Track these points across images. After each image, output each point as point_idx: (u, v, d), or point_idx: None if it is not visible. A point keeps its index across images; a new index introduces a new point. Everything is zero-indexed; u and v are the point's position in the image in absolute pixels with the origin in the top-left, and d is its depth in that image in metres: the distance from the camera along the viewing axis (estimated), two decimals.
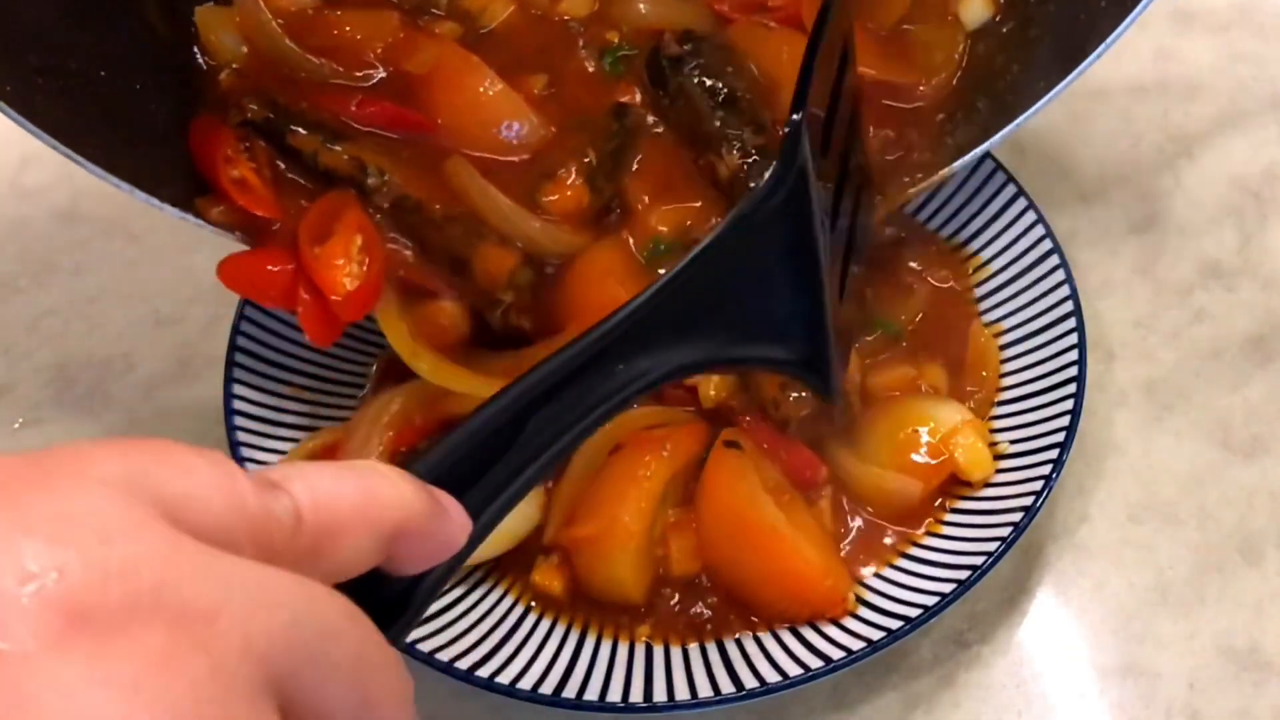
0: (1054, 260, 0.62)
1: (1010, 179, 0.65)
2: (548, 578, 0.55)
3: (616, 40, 0.62)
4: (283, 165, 0.56)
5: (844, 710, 0.54)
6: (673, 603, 0.55)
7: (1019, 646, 0.56)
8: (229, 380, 0.59)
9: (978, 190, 0.66)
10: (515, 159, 0.58)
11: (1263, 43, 0.79)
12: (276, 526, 0.24)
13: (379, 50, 0.59)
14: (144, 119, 0.55)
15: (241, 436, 0.58)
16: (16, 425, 0.66)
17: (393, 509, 0.27)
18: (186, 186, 0.54)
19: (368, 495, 0.27)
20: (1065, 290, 0.61)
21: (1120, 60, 0.79)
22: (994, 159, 0.65)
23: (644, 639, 0.54)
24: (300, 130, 0.55)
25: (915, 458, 0.56)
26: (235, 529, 0.23)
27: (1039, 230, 0.63)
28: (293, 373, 0.62)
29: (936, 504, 0.57)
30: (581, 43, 0.62)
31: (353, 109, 0.57)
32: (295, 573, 0.25)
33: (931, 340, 0.62)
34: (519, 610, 0.55)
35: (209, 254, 0.72)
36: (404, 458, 0.34)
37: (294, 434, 0.59)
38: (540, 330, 0.57)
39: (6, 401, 0.67)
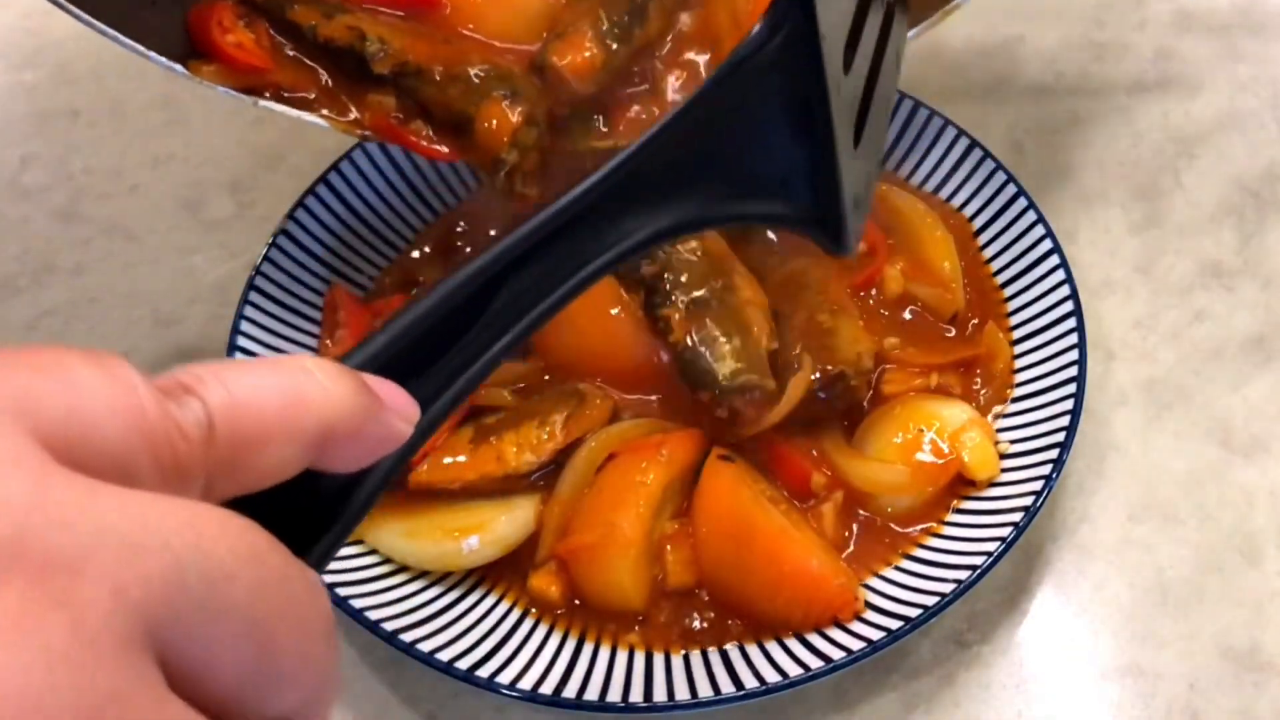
0: (1054, 260, 0.62)
1: (1010, 179, 0.65)
2: (545, 582, 0.55)
3: None
4: (283, 42, 0.56)
5: (844, 710, 0.54)
6: (669, 615, 0.55)
7: (1019, 646, 0.56)
8: None
9: (978, 190, 0.66)
10: (528, 47, 0.57)
11: (1263, 43, 0.79)
12: (182, 440, 0.22)
13: None
14: None
15: None
16: None
17: (319, 410, 0.24)
18: (177, 47, 0.53)
19: (291, 396, 0.24)
20: (1065, 290, 0.61)
21: (1120, 60, 0.79)
22: (994, 159, 0.65)
23: (643, 648, 0.54)
24: (299, 6, 0.55)
25: (921, 457, 0.56)
26: (131, 448, 0.21)
27: (1039, 230, 0.63)
28: None
29: (945, 504, 0.57)
30: None
31: None
32: (209, 488, 0.23)
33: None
34: (517, 613, 0.55)
35: (209, 254, 0.73)
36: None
37: None
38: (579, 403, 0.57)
39: None
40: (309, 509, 0.27)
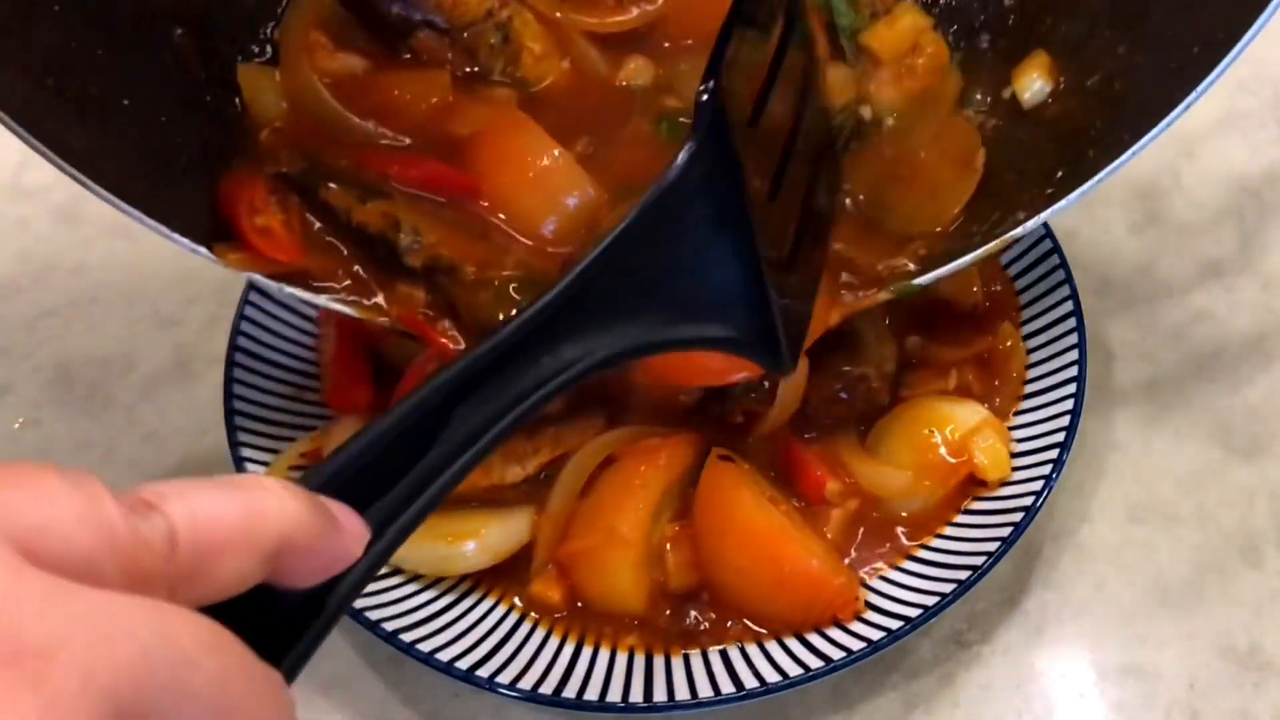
0: (1054, 260, 0.62)
1: None
2: (546, 587, 0.55)
3: (676, 105, 0.59)
4: (315, 222, 0.54)
5: (844, 710, 0.54)
6: (670, 616, 0.54)
7: (1019, 646, 0.56)
8: (229, 380, 0.59)
9: None
10: (565, 250, 0.55)
11: (1263, 43, 0.79)
12: (146, 551, 0.24)
13: (427, 109, 0.57)
14: (166, 151, 0.53)
15: (241, 436, 0.58)
16: (16, 425, 0.66)
17: (275, 525, 0.27)
18: (204, 221, 0.52)
19: (248, 512, 0.26)
20: (1065, 290, 0.61)
21: None
22: None
23: (643, 651, 0.54)
24: (335, 186, 0.53)
25: (933, 459, 0.56)
26: (99, 557, 0.23)
27: (1039, 230, 0.63)
28: (293, 372, 0.62)
29: (954, 506, 0.57)
30: (638, 108, 0.59)
31: (396, 169, 0.55)
32: (171, 596, 0.24)
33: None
34: (514, 617, 0.55)
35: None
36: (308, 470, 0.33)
37: (293, 434, 0.59)
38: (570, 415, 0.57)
39: (6, 401, 0.67)
40: (277, 625, 0.29)
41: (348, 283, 0.53)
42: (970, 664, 0.55)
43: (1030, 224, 0.52)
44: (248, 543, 0.26)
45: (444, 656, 0.52)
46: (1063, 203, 0.51)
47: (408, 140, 0.57)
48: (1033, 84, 0.58)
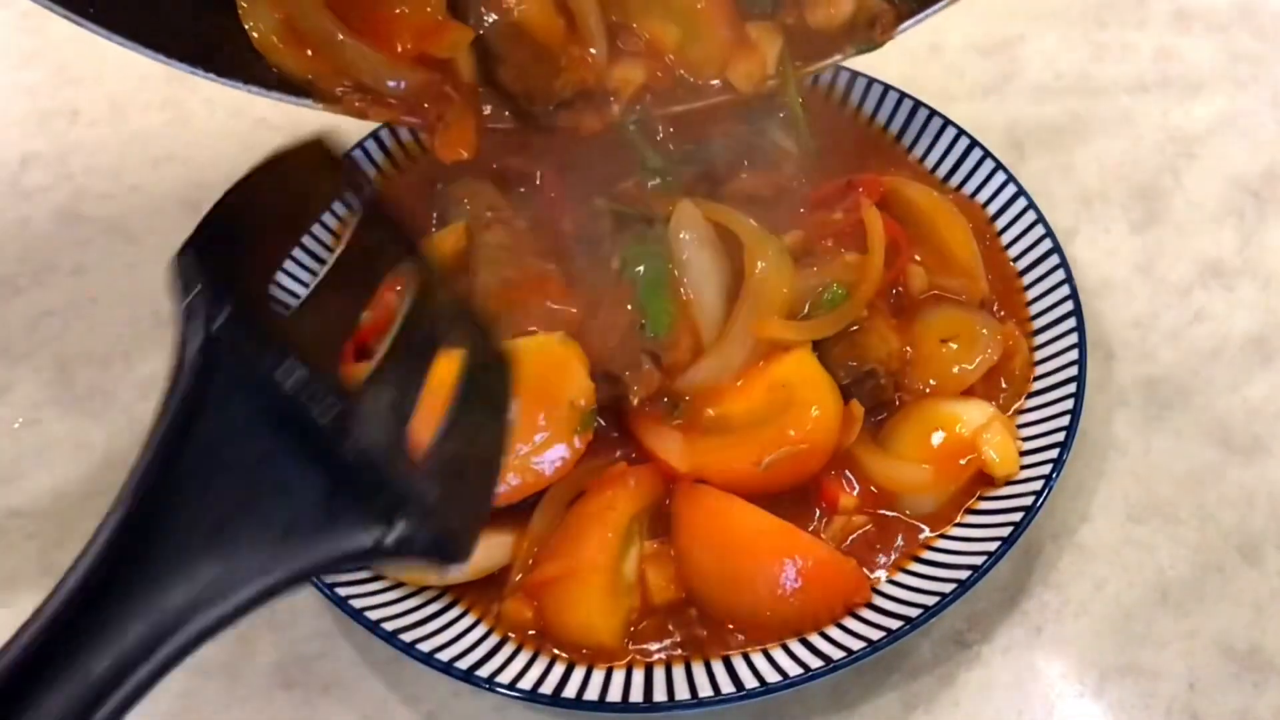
0: (1054, 260, 0.62)
1: (1010, 179, 0.65)
2: (519, 606, 0.54)
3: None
4: None
5: (844, 710, 0.54)
6: (654, 635, 0.54)
7: (1019, 646, 0.55)
8: None
9: (977, 190, 0.66)
10: None
11: (1263, 43, 0.79)
12: None
13: (419, 23, 0.57)
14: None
15: None
16: (16, 425, 0.66)
17: None
18: (195, 40, 0.55)
19: None
20: (1065, 290, 0.61)
21: (1120, 60, 0.79)
22: (994, 159, 0.65)
23: (642, 665, 0.53)
24: None
25: (943, 456, 0.56)
26: None
27: (1039, 230, 0.63)
28: None
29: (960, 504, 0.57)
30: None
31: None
32: None
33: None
34: (496, 638, 0.54)
35: None
36: None
37: None
38: None
39: (6, 401, 0.67)
40: None
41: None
42: (970, 664, 0.55)
43: None
44: None
45: (444, 656, 0.51)
46: None
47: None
48: None
